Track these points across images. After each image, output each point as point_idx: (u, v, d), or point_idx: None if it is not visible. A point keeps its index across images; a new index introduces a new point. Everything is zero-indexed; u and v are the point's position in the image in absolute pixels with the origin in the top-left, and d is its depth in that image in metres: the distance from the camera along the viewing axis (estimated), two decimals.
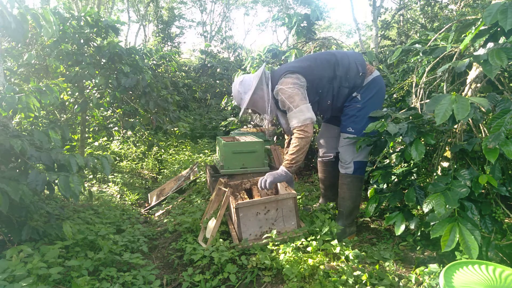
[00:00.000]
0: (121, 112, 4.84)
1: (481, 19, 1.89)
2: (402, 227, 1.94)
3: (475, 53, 1.85)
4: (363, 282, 1.70)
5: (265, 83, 2.25)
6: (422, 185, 1.97)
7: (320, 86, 2.21)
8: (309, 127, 2.11)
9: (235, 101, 2.39)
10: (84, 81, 4.07)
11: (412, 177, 2.13)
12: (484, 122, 1.86)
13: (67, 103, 4.35)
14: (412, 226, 1.95)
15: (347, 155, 2.27)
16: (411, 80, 2.51)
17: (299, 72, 2.18)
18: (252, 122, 4.74)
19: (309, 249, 1.96)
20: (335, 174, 2.47)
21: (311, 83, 2.20)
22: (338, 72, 2.21)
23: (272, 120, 2.43)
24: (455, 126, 1.93)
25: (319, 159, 2.67)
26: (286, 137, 2.75)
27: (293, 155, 2.16)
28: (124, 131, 5.12)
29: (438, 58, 2.27)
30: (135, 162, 5.12)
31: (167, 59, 6.69)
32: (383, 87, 2.31)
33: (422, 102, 2.21)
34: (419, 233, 2.06)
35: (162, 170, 4.95)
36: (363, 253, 2.01)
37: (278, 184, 2.61)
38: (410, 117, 1.92)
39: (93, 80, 4.06)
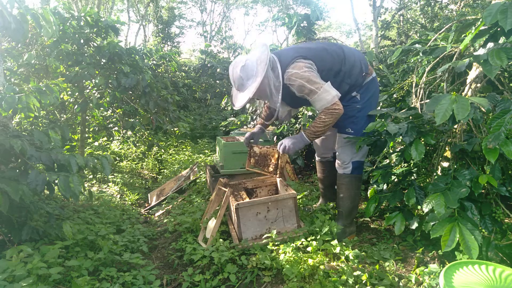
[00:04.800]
0: (121, 112, 4.84)
1: (481, 19, 1.89)
2: (402, 227, 1.94)
3: (475, 53, 1.85)
4: (363, 282, 1.70)
5: (270, 69, 2.10)
6: (422, 185, 1.97)
7: (326, 78, 2.15)
8: (337, 104, 2.04)
9: (233, 85, 2.19)
10: (84, 81, 4.07)
11: (412, 177, 2.13)
12: (484, 122, 1.86)
13: (67, 103, 4.35)
14: (412, 226, 1.95)
15: (346, 155, 2.26)
16: (411, 80, 2.51)
17: (312, 60, 2.12)
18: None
19: (309, 249, 1.96)
20: (335, 173, 2.45)
21: (319, 73, 2.14)
22: (344, 67, 2.19)
23: (277, 109, 2.23)
24: (455, 126, 1.93)
25: (317, 159, 2.67)
26: (264, 111, 2.59)
27: (319, 128, 2.07)
28: (124, 131, 5.12)
29: (438, 58, 2.28)
30: (135, 162, 5.12)
31: (167, 59, 6.68)
32: (378, 88, 2.34)
33: (422, 102, 2.21)
34: (419, 233, 2.07)
35: (162, 170, 4.95)
36: (363, 253, 2.01)
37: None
38: (410, 117, 1.92)
39: (93, 80, 4.05)
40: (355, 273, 1.73)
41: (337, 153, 2.33)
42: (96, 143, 5.33)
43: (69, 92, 4.20)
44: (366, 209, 2.17)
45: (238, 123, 5.19)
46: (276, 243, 2.05)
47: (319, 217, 2.29)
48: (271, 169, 2.35)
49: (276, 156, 2.30)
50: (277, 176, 2.32)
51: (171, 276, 2.01)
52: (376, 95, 2.30)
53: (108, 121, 5.21)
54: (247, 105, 5.00)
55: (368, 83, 2.25)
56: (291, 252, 1.88)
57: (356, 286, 1.68)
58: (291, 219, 2.24)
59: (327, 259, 1.91)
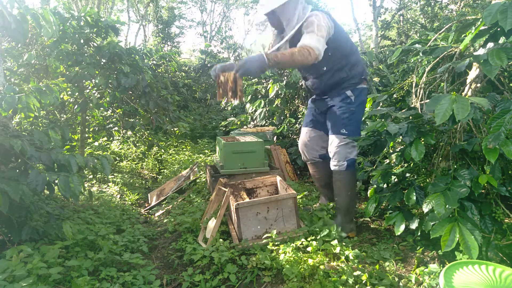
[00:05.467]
0: (121, 112, 4.84)
1: (481, 19, 1.89)
2: (402, 227, 1.94)
3: (475, 53, 1.85)
4: (363, 282, 1.70)
5: (300, 3, 2.22)
6: (422, 185, 1.97)
7: (331, 50, 2.23)
8: (313, 55, 2.04)
9: (259, 2, 2.30)
10: (84, 81, 4.07)
11: (413, 177, 2.13)
12: (484, 122, 1.86)
13: (67, 103, 4.35)
14: (412, 226, 1.95)
15: (341, 155, 2.31)
16: (411, 80, 2.51)
17: (334, 24, 2.24)
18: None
19: (309, 249, 1.96)
20: (328, 173, 2.51)
21: (330, 43, 2.21)
22: (351, 58, 2.31)
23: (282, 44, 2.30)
24: (455, 126, 1.93)
25: (308, 162, 2.68)
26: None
27: (285, 57, 2.00)
28: (124, 131, 5.12)
29: (438, 58, 2.27)
30: (135, 162, 5.12)
31: (167, 59, 6.69)
32: (366, 100, 2.46)
33: (422, 102, 2.21)
34: (419, 233, 2.06)
35: (162, 170, 4.95)
36: (363, 253, 2.01)
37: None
38: (410, 117, 1.92)
39: (93, 80, 4.05)
40: (355, 273, 1.73)
41: (331, 153, 2.37)
42: (96, 143, 5.33)
43: (69, 92, 4.20)
44: (366, 209, 2.17)
45: (238, 123, 5.19)
46: (276, 243, 2.05)
47: (319, 215, 2.31)
48: (230, 93, 2.28)
49: (232, 78, 2.19)
50: (237, 100, 2.18)
51: (171, 276, 2.00)
52: (364, 105, 2.42)
53: (108, 121, 5.21)
54: (248, 105, 5.00)
55: (362, 89, 2.36)
56: (291, 252, 1.88)
57: (356, 286, 1.68)
58: (291, 219, 2.24)
59: (327, 259, 1.91)
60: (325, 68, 2.30)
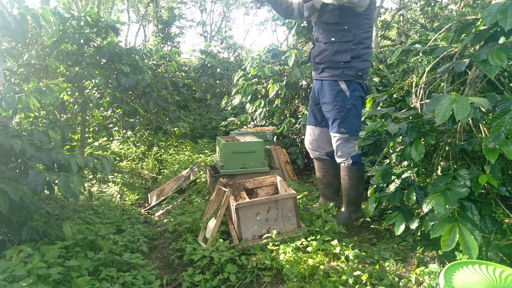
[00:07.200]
0: (121, 112, 4.84)
1: (481, 19, 1.89)
2: (402, 227, 1.94)
3: (475, 53, 1.85)
4: (363, 282, 1.70)
5: None
6: (422, 185, 1.97)
7: (349, 24, 2.27)
8: None
9: None
10: (84, 81, 4.07)
11: (412, 176, 2.12)
12: (484, 122, 1.86)
13: (67, 103, 4.35)
14: (412, 226, 1.95)
15: (343, 152, 2.40)
16: (411, 80, 2.51)
17: (370, 3, 2.28)
18: None
19: (309, 249, 1.96)
20: (332, 172, 2.60)
21: (354, 16, 2.25)
22: (360, 48, 2.33)
23: None
24: (455, 126, 1.92)
25: (314, 159, 2.72)
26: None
27: None
28: (124, 131, 5.12)
29: (438, 58, 2.27)
30: (135, 162, 5.12)
31: (167, 59, 6.69)
32: (365, 96, 2.49)
33: (422, 102, 2.21)
34: (419, 233, 2.06)
35: (162, 170, 4.95)
36: (363, 253, 2.01)
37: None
38: (410, 117, 1.92)
39: (93, 80, 4.06)
40: (355, 273, 1.73)
41: (335, 150, 2.45)
42: (96, 143, 5.33)
43: (69, 92, 4.20)
44: (366, 209, 2.17)
45: (238, 123, 5.19)
46: (276, 243, 2.05)
47: (320, 215, 2.32)
48: None
49: None
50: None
51: (171, 276, 2.00)
52: (362, 100, 2.44)
53: (108, 121, 5.22)
54: (248, 105, 5.01)
55: (358, 84, 2.39)
56: (291, 252, 1.88)
57: (356, 286, 1.68)
58: (291, 219, 2.24)
59: (327, 259, 1.91)
60: (333, 39, 2.34)
